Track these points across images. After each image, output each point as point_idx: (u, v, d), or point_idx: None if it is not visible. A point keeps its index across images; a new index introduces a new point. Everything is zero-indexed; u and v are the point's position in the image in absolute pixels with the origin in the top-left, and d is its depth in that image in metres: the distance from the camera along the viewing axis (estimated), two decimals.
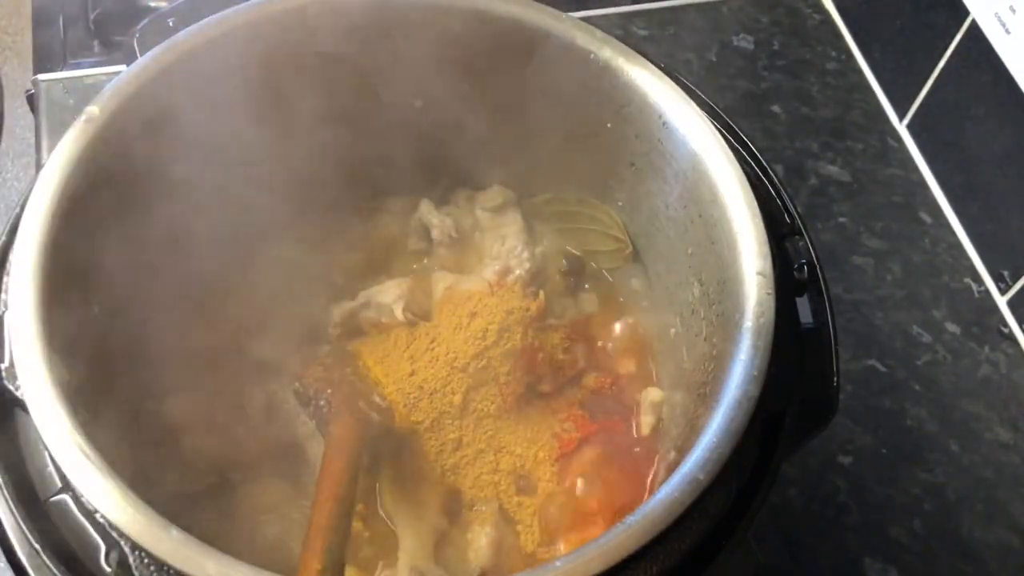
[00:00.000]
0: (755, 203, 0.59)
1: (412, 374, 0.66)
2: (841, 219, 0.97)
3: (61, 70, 0.99)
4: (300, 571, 0.50)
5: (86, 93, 0.95)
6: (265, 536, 0.63)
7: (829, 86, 1.07)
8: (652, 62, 0.65)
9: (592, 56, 0.66)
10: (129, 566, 0.47)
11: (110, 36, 1.04)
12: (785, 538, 0.78)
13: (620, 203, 0.73)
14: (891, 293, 0.92)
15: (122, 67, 0.62)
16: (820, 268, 0.62)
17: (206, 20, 0.63)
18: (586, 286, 0.76)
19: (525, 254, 0.73)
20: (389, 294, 0.70)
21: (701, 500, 0.49)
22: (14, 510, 0.49)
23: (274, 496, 0.65)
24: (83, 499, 0.48)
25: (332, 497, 0.54)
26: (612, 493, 0.67)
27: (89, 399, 0.52)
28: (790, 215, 0.63)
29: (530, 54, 0.67)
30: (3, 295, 0.54)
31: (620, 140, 0.68)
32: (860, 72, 1.08)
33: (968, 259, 0.95)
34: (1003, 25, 0.86)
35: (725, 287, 0.59)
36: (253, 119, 0.65)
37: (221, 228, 0.67)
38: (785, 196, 0.64)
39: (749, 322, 0.55)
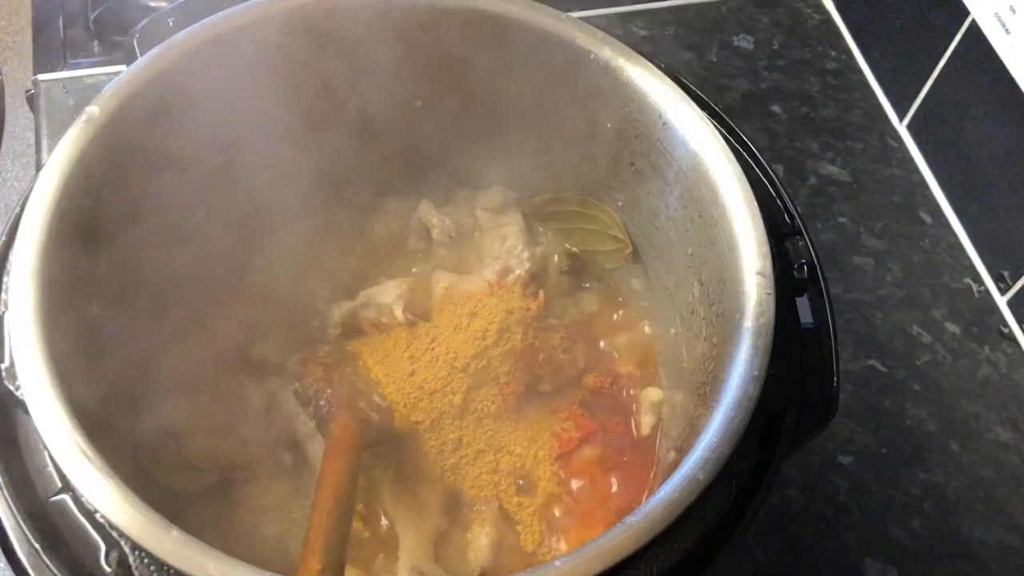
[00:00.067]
0: (755, 203, 0.59)
1: (412, 374, 0.66)
2: (841, 219, 0.97)
3: (61, 70, 0.99)
4: (300, 571, 0.50)
5: (86, 93, 0.95)
6: (265, 536, 0.63)
7: (829, 86, 1.07)
8: (652, 62, 0.65)
9: (592, 56, 0.66)
10: (129, 566, 0.47)
11: (110, 36, 1.04)
12: (785, 538, 0.78)
13: (620, 203, 0.73)
14: (891, 293, 0.92)
15: (122, 67, 0.62)
16: (820, 268, 0.62)
17: (206, 20, 0.63)
18: (586, 286, 0.76)
19: (525, 254, 0.73)
20: (389, 294, 0.70)
21: (701, 500, 0.49)
22: (14, 510, 0.49)
23: (274, 496, 0.65)
24: (83, 499, 0.48)
25: (332, 497, 0.54)
26: (612, 493, 0.67)
27: (89, 400, 0.52)
28: (790, 215, 0.63)
29: (530, 54, 0.67)
30: (3, 295, 0.54)
31: (620, 140, 0.68)
32: (860, 72, 1.08)
33: (968, 259, 0.95)
34: (1003, 25, 0.86)
35: (725, 287, 0.59)
36: (252, 119, 0.65)
37: (221, 228, 0.67)
38: (785, 196, 0.64)
39: (749, 322, 0.55)
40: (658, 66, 0.65)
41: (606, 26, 0.67)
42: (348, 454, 0.58)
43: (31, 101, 0.97)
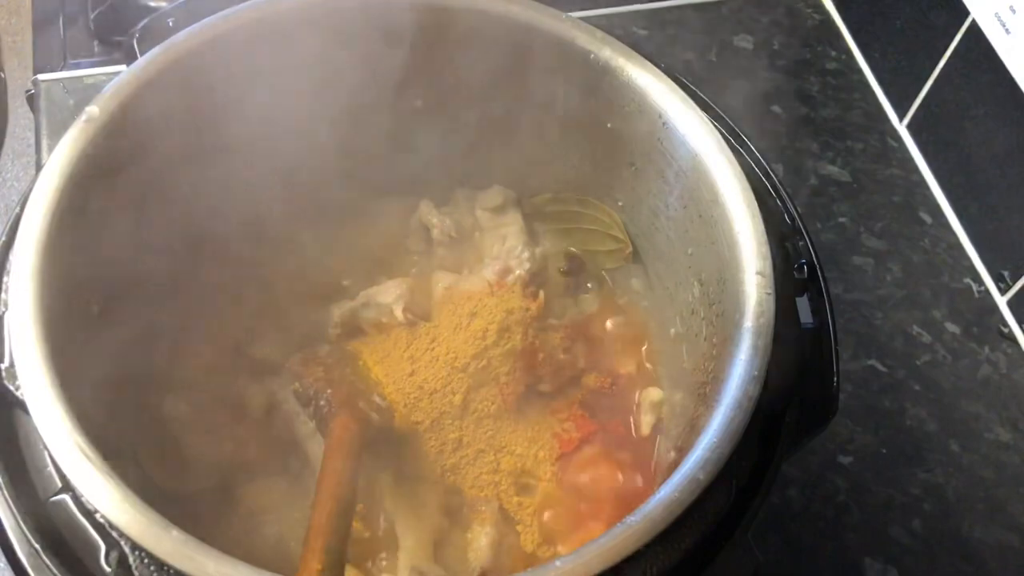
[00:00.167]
0: (755, 203, 0.59)
1: (412, 374, 0.66)
2: (841, 219, 0.97)
3: (61, 70, 0.99)
4: (300, 571, 0.50)
5: (86, 93, 0.95)
6: (265, 536, 0.63)
7: (829, 86, 1.07)
8: (652, 62, 0.65)
9: (592, 56, 0.66)
10: (129, 566, 0.47)
11: (110, 36, 1.04)
12: (785, 538, 0.78)
13: (620, 203, 0.73)
14: (891, 293, 0.92)
15: (122, 67, 0.62)
16: (820, 268, 0.62)
17: (206, 20, 0.63)
18: (587, 286, 0.76)
19: (525, 254, 0.73)
20: (389, 294, 0.70)
21: (701, 500, 0.49)
22: (14, 510, 0.49)
23: (274, 496, 0.65)
24: (83, 499, 0.48)
25: (332, 497, 0.54)
26: (612, 493, 0.67)
27: (89, 399, 0.52)
28: (790, 215, 0.63)
29: (530, 54, 0.67)
30: (3, 295, 0.54)
31: (620, 140, 0.68)
32: (860, 72, 1.08)
33: (968, 259, 0.95)
34: (1003, 25, 0.86)
35: (725, 287, 0.59)
36: (252, 119, 0.65)
37: (220, 228, 0.67)
38: (785, 196, 0.64)
39: (749, 322, 0.55)
40: (658, 66, 0.65)
41: (606, 26, 0.67)
42: (348, 454, 0.58)
43: (31, 101, 0.97)
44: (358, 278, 0.73)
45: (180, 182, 0.63)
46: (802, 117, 1.04)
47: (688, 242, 0.65)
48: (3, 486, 0.50)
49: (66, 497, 0.49)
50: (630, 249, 0.74)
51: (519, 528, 0.65)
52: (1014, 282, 0.90)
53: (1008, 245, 0.90)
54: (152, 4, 1.05)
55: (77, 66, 1.00)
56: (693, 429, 0.57)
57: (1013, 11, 0.85)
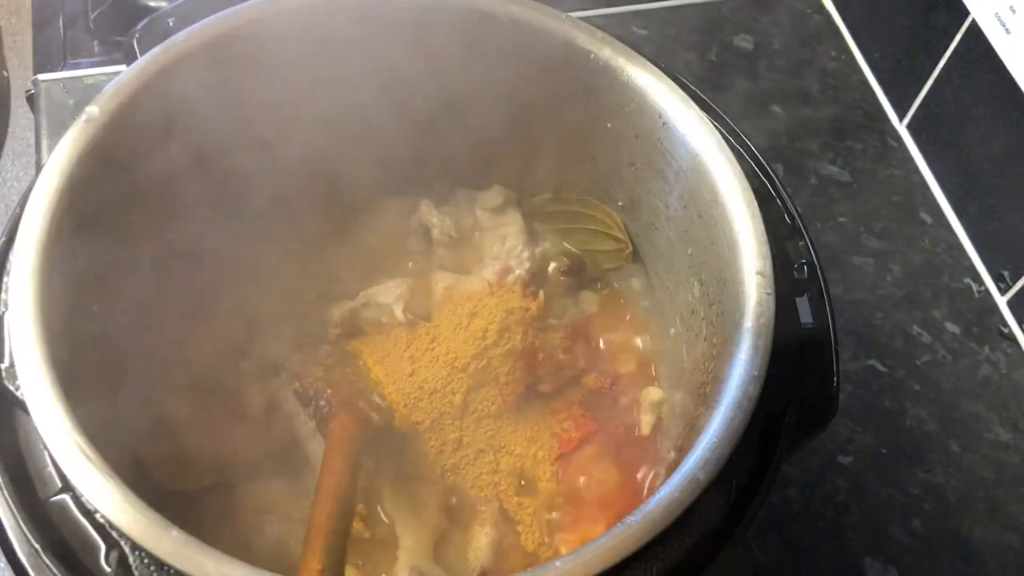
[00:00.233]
0: (755, 203, 0.59)
1: (412, 374, 0.66)
2: (841, 219, 0.97)
3: (61, 70, 0.99)
4: (300, 571, 0.50)
5: (86, 93, 0.95)
6: (265, 536, 0.63)
7: (829, 86, 1.07)
8: (652, 62, 0.65)
9: (592, 56, 0.66)
10: (129, 566, 0.47)
11: (110, 36, 1.04)
12: (785, 538, 0.78)
13: (620, 203, 0.73)
14: (891, 293, 0.92)
15: (122, 67, 0.62)
16: (820, 268, 0.62)
17: (206, 20, 0.63)
18: (587, 286, 0.76)
19: (525, 254, 0.73)
20: (389, 294, 0.70)
21: (701, 500, 0.49)
22: (14, 510, 0.49)
23: (274, 496, 0.65)
24: (83, 499, 0.48)
25: (332, 497, 0.54)
26: (612, 493, 0.67)
27: (89, 399, 0.52)
28: (790, 215, 0.63)
29: (530, 54, 0.67)
30: (3, 295, 0.54)
31: (620, 140, 0.68)
32: (860, 72, 1.08)
33: (968, 259, 0.95)
34: (1003, 25, 0.86)
35: (725, 287, 0.59)
36: (252, 119, 0.65)
37: (221, 227, 0.67)
38: (785, 196, 0.64)
39: (749, 322, 0.55)
40: (658, 66, 0.65)
41: (606, 26, 0.67)
42: (348, 454, 0.58)
43: (31, 101, 0.97)
44: (358, 278, 0.73)
45: (180, 182, 0.63)
46: (802, 117, 1.04)
47: (688, 242, 0.65)
48: (3, 486, 0.50)
49: (66, 497, 0.49)
50: (630, 249, 0.74)
51: (519, 528, 0.65)
52: (1014, 282, 0.90)
53: (1008, 245, 0.90)
54: (152, 4, 1.05)
55: (77, 66, 1.00)
56: (693, 429, 0.57)
57: (1013, 11, 0.85)
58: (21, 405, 0.50)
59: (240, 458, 0.65)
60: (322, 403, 0.63)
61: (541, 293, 0.71)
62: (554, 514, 0.66)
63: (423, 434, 0.65)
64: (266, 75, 0.65)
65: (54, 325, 0.52)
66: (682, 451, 0.55)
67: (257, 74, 0.65)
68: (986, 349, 0.89)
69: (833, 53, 1.09)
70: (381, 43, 0.67)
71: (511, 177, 0.76)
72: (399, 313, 0.69)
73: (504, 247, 0.73)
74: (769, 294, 0.56)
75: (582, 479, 0.67)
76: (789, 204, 0.64)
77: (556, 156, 0.74)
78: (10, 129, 1.23)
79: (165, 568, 0.46)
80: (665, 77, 0.65)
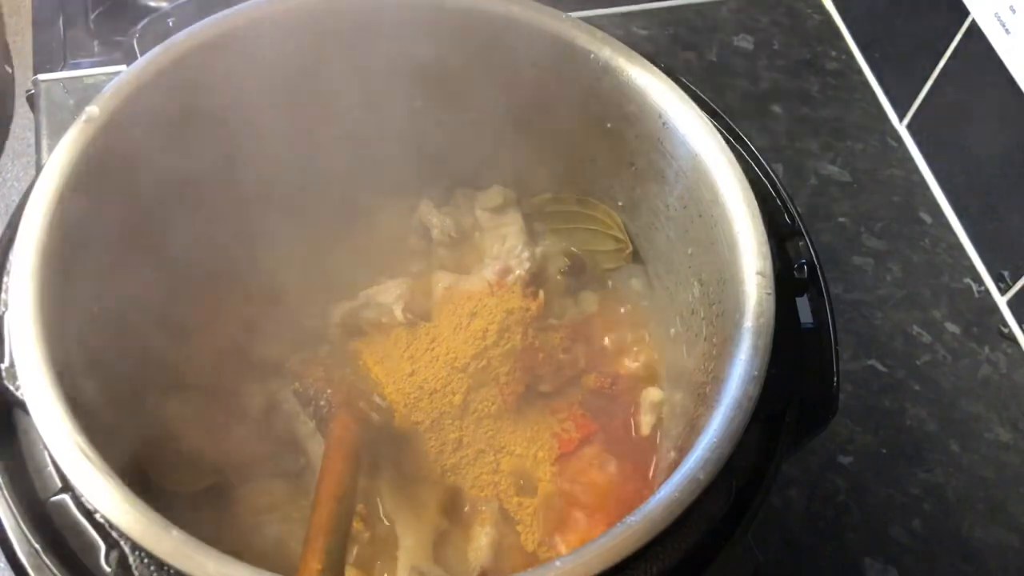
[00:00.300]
0: (755, 203, 0.59)
1: (412, 374, 0.66)
2: (841, 219, 0.97)
3: (61, 70, 0.99)
4: (300, 571, 0.50)
5: (86, 93, 0.95)
6: (265, 536, 0.63)
7: (829, 86, 1.07)
8: (652, 62, 0.65)
9: (592, 56, 0.66)
10: (129, 566, 0.47)
11: (110, 36, 1.04)
12: (785, 538, 0.78)
13: (620, 203, 0.73)
14: (891, 293, 0.92)
15: (122, 67, 0.62)
16: (820, 268, 0.62)
17: (206, 20, 0.63)
18: (588, 286, 0.76)
19: (525, 254, 0.73)
20: (389, 294, 0.70)
21: (701, 500, 0.49)
22: (14, 510, 0.49)
23: (274, 496, 0.65)
24: (83, 499, 0.48)
25: (332, 497, 0.54)
26: (612, 493, 0.67)
27: (89, 399, 0.52)
28: (790, 215, 0.63)
29: (530, 54, 0.67)
30: (3, 295, 0.54)
31: (620, 140, 0.68)
32: (860, 72, 1.08)
33: (968, 259, 0.95)
34: (1003, 25, 0.86)
35: (725, 287, 0.59)
36: (252, 120, 0.65)
37: (221, 228, 0.67)
38: (785, 196, 0.64)
39: (749, 322, 0.55)
40: (658, 66, 0.65)
41: (606, 26, 0.67)
42: (348, 454, 0.58)
43: (31, 101, 0.97)
44: (358, 278, 0.73)
45: (180, 182, 0.63)
46: (802, 117, 1.04)
47: (688, 242, 0.65)
48: (3, 486, 0.50)
49: (66, 497, 0.49)
50: (630, 249, 0.74)
51: (519, 528, 0.65)
52: (1014, 282, 0.90)
53: (1008, 245, 0.90)
54: (152, 4, 1.05)
55: (77, 66, 1.00)
56: (693, 429, 0.57)
57: (1013, 11, 0.85)
58: (21, 405, 0.50)
59: (240, 458, 0.65)
60: (322, 403, 0.63)
61: (541, 293, 0.71)
62: (554, 514, 0.66)
63: (423, 434, 0.65)
64: (266, 75, 0.65)
65: (54, 325, 0.52)
66: (682, 451, 0.55)
67: (257, 74, 0.65)
68: (986, 349, 0.89)
69: (833, 53, 1.09)
70: (381, 43, 0.67)
71: (511, 177, 0.76)
72: (399, 313, 0.69)
73: (504, 247, 0.73)
74: (769, 294, 0.56)
75: (582, 479, 0.67)
76: (789, 204, 0.64)
77: (556, 156, 0.74)
78: (11, 129, 1.23)
79: (165, 568, 0.46)
80: (665, 77, 0.65)
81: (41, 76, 0.97)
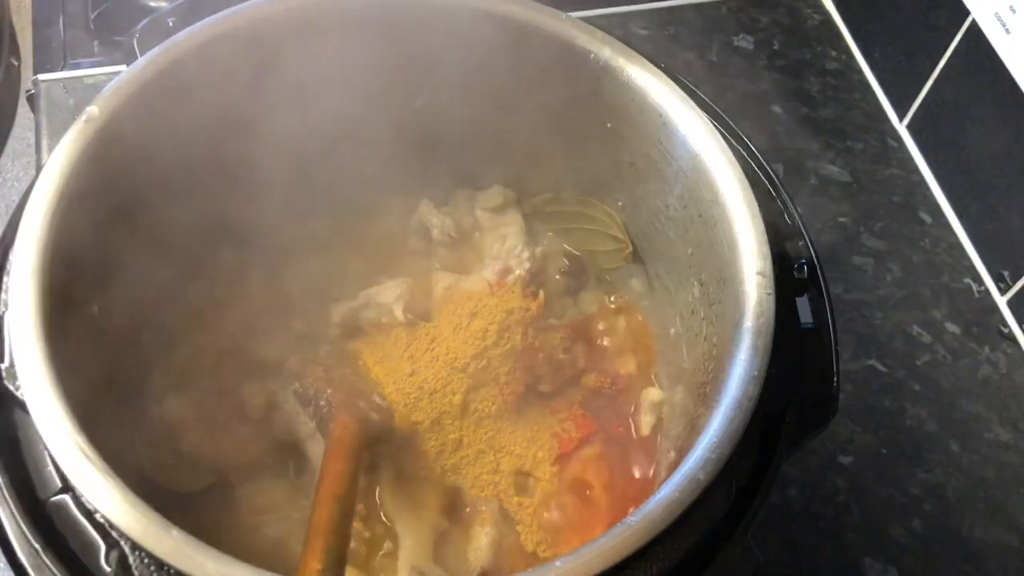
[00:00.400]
0: (755, 203, 0.59)
1: (412, 374, 0.66)
2: (841, 219, 0.97)
3: (61, 70, 0.99)
4: (300, 571, 0.50)
5: (86, 93, 0.95)
6: (265, 536, 0.63)
7: (829, 86, 1.07)
8: (652, 62, 0.65)
9: (592, 56, 0.66)
10: (129, 566, 0.47)
11: (110, 36, 1.04)
12: (785, 538, 0.78)
13: (620, 203, 0.73)
14: (891, 293, 0.92)
15: (122, 67, 0.62)
16: (820, 268, 0.62)
17: (206, 20, 0.63)
18: (588, 286, 0.76)
19: (525, 254, 0.73)
20: (389, 294, 0.70)
21: (701, 500, 0.49)
22: (14, 510, 0.49)
23: (274, 496, 0.65)
24: (83, 499, 0.48)
25: (332, 497, 0.54)
26: (612, 493, 0.67)
27: (89, 399, 0.52)
28: (790, 215, 0.63)
29: (530, 54, 0.67)
30: (3, 295, 0.54)
31: (620, 140, 0.68)
32: (860, 72, 1.08)
33: (968, 259, 0.95)
34: (1003, 25, 0.86)
35: (725, 287, 0.59)
36: (252, 120, 0.65)
37: (221, 227, 0.67)
38: (785, 196, 0.64)
39: (749, 322, 0.55)
40: (658, 66, 0.65)
41: (606, 26, 0.67)
42: (348, 454, 0.58)
43: (31, 101, 0.97)
44: (358, 278, 0.73)
45: (179, 182, 0.63)
46: (802, 117, 1.04)
47: (688, 242, 0.65)
48: (3, 486, 0.50)
49: (66, 497, 0.49)
50: (630, 249, 0.74)
51: (519, 528, 0.65)
52: (1014, 282, 0.90)
53: (1008, 245, 0.90)
54: (152, 4, 1.05)
55: (77, 66, 1.00)
56: (693, 429, 0.57)
57: (1013, 11, 0.85)
58: (21, 405, 0.50)
59: (240, 458, 0.65)
60: (322, 403, 0.63)
61: (541, 293, 0.71)
62: (554, 514, 0.66)
63: (423, 434, 0.65)
64: (265, 75, 0.65)
65: (54, 325, 0.52)
66: (682, 451, 0.55)
67: (256, 75, 0.65)
68: (986, 349, 0.89)
69: (833, 53, 1.09)
70: (381, 43, 0.67)
71: (511, 177, 0.76)
72: (399, 313, 0.68)
73: (504, 247, 0.73)
74: (769, 294, 0.56)
75: (582, 479, 0.67)
76: (789, 204, 0.64)
77: (556, 156, 0.74)
78: (13, 124, 1.23)
79: (165, 568, 0.46)
80: (665, 77, 0.65)
81: (41, 76, 0.97)
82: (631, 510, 0.49)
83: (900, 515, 0.80)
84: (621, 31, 1.07)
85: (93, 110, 0.58)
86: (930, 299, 0.92)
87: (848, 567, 0.77)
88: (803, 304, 0.60)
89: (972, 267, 0.94)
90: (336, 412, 0.61)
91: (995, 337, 0.90)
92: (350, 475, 0.57)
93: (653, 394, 0.70)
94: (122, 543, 0.47)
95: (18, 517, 0.49)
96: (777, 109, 1.04)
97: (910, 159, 1.01)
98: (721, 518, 0.51)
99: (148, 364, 0.65)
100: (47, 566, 0.47)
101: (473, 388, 0.66)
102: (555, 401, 0.70)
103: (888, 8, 1.03)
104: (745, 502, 0.53)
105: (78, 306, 0.55)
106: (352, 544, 0.57)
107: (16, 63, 1.08)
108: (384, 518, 0.64)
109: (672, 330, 0.70)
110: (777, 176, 0.65)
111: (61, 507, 0.49)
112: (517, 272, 0.72)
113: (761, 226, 0.58)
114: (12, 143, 1.24)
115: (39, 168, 0.64)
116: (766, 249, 0.57)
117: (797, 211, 0.64)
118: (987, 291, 0.93)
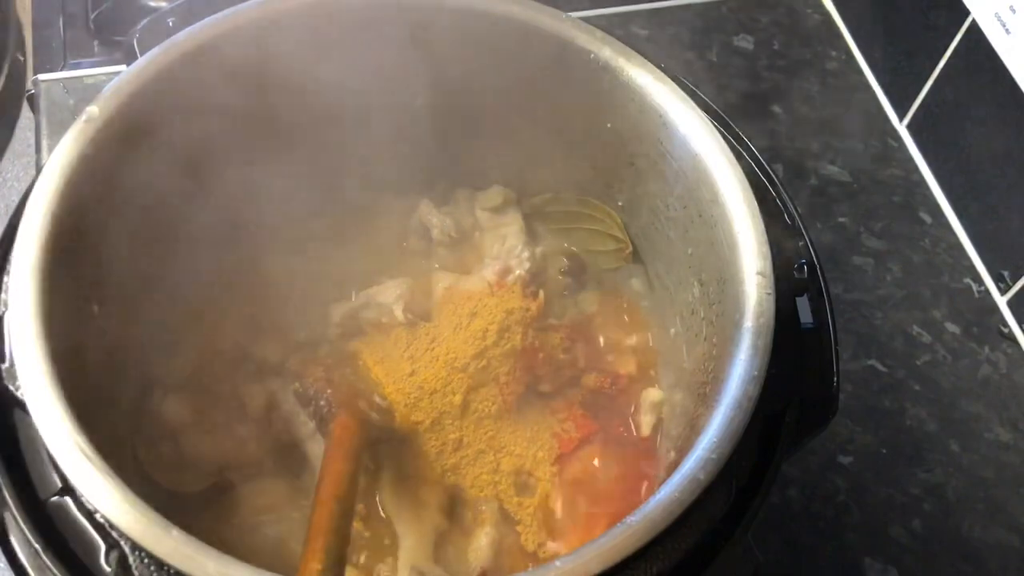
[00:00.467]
0: (755, 203, 0.59)
1: (412, 374, 0.66)
2: (841, 219, 0.97)
3: (61, 70, 0.99)
4: (300, 571, 0.50)
5: (86, 93, 0.95)
6: (265, 536, 0.63)
7: (829, 86, 1.07)
8: (652, 62, 0.65)
9: (592, 56, 0.66)
10: (129, 566, 0.47)
11: (110, 36, 1.04)
12: (785, 538, 0.78)
13: (620, 203, 0.73)
14: (891, 293, 0.92)
15: (122, 67, 0.62)
16: (820, 268, 0.62)
17: (206, 20, 0.63)
18: (588, 286, 0.76)
19: (525, 254, 0.73)
20: (389, 294, 0.70)
21: (701, 500, 0.49)
22: (14, 510, 0.49)
23: (274, 496, 0.65)
24: (83, 499, 0.48)
25: (332, 497, 0.54)
26: (612, 493, 0.67)
27: (89, 399, 0.52)
28: (790, 215, 0.63)
29: (530, 54, 0.67)
30: (3, 295, 0.54)
31: (620, 140, 0.68)
32: (860, 72, 1.08)
33: (968, 259, 0.95)
34: (1003, 25, 0.86)
35: (725, 287, 0.59)
36: (251, 120, 0.65)
37: (221, 227, 0.67)
38: (785, 196, 0.64)
39: (749, 322, 0.55)
40: (658, 66, 0.65)
41: (606, 26, 0.67)
42: (348, 454, 0.58)
43: (31, 101, 0.97)
44: (358, 278, 0.73)
45: (179, 182, 0.63)
46: (802, 117, 1.04)
47: (688, 242, 0.65)
48: (3, 486, 0.50)
49: (66, 497, 0.49)
50: (630, 249, 0.74)
51: (519, 528, 0.65)
52: (1014, 282, 0.90)
53: (1008, 245, 0.90)
54: (152, 4, 1.05)
55: (77, 66, 1.00)
56: (693, 429, 0.57)
57: (1013, 11, 0.85)
58: (21, 405, 0.50)
59: (240, 458, 0.65)
60: (322, 403, 0.63)
61: (541, 293, 0.71)
62: (554, 514, 0.66)
63: (423, 434, 0.65)
64: (266, 76, 0.65)
65: (54, 325, 0.52)
66: (682, 451, 0.55)
67: (256, 75, 0.65)
68: (986, 349, 0.89)
69: (833, 53, 1.09)
70: (381, 43, 0.67)
71: (511, 177, 0.76)
72: (399, 313, 0.69)
73: (504, 247, 0.73)
74: (769, 294, 0.56)
75: (582, 479, 0.67)
76: (789, 204, 0.64)
77: (556, 156, 0.74)
78: (17, 123, 1.23)
79: (165, 568, 0.46)
80: (665, 77, 0.65)
81: (41, 76, 0.97)
82: (631, 510, 0.49)
83: (900, 515, 0.80)
84: (621, 31, 1.07)
85: (93, 110, 0.58)
86: (930, 299, 0.92)
87: (848, 567, 0.77)
88: (803, 304, 0.60)
89: (972, 267, 0.94)
90: (336, 412, 0.61)
91: (995, 337, 0.90)
92: (350, 475, 0.57)
93: (653, 394, 0.70)
94: (122, 543, 0.47)
95: (18, 517, 0.48)
96: (777, 109, 1.04)
97: (910, 159, 1.01)
98: (721, 518, 0.51)
99: (148, 364, 0.65)
100: (47, 566, 0.47)
101: (473, 388, 0.66)
102: (555, 401, 0.70)
103: (888, 8, 1.03)
104: (745, 502, 0.53)
105: (78, 306, 0.55)
106: (352, 544, 0.57)
107: (22, 58, 1.08)
108: (384, 518, 0.64)
109: (672, 330, 0.70)
110: (777, 176, 0.65)
111: (61, 507, 0.49)
112: (517, 272, 0.72)
113: (761, 226, 0.58)
114: (12, 143, 1.24)
115: (39, 168, 0.64)
116: (766, 249, 0.57)
117: (797, 211, 0.64)
118: (987, 291, 0.93)
